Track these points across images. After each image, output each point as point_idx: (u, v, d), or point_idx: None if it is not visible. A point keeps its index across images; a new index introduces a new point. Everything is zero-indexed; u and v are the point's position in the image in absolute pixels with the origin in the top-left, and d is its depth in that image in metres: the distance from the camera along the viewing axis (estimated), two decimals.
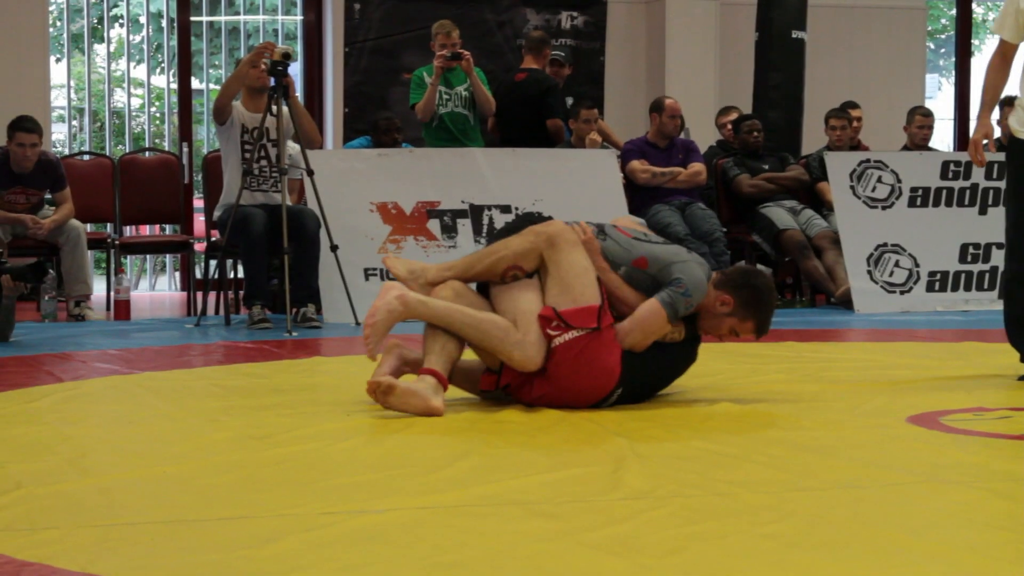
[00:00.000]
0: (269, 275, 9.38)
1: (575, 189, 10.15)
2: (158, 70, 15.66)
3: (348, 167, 9.87)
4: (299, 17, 13.83)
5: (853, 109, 12.05)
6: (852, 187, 10.56)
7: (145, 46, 15.76)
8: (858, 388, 5.83)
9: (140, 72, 16.93)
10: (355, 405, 5.37)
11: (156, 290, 14.84)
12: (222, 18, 15.49)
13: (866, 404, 5.32)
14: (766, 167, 11.29)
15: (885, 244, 10.45)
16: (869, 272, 10.36)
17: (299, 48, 13.55)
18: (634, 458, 4.14)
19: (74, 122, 15.23)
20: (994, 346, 7.62)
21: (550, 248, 5.13)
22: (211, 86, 14.96)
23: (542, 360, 5.02)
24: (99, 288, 11.23)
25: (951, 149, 14.87)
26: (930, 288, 10.45)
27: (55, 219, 9.81)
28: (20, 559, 2.99)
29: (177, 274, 14.55)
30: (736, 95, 12.80)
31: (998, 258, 10.54)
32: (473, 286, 5.35)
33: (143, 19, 15.51)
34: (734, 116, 11.95)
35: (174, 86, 13.88)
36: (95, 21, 16.36)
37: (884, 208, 10.56)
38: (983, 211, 10.65)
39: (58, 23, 16.35)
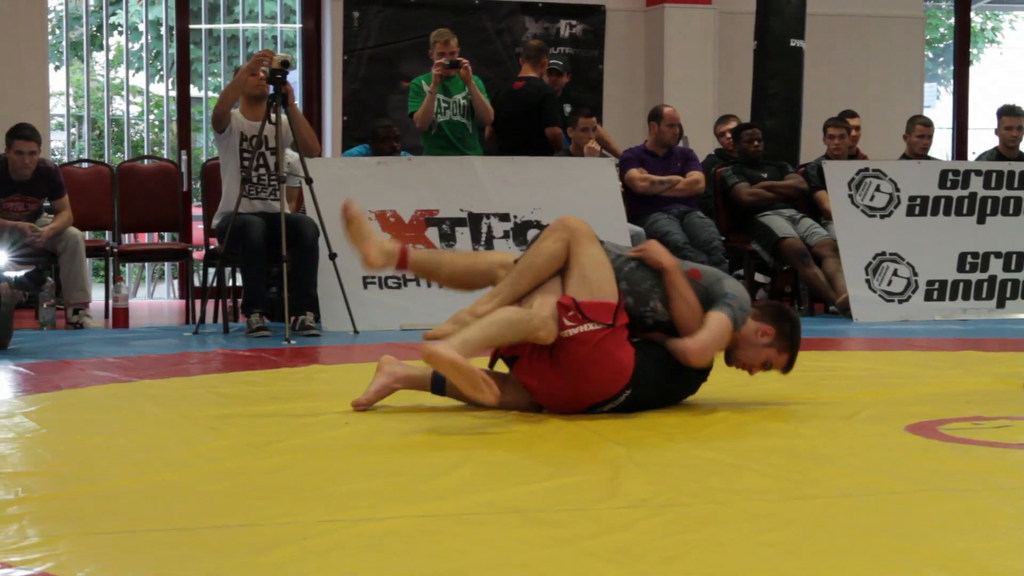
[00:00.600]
0: (268, 283, 9.38)
1: (573, 197, 10.15)
2: (157, 78, 15.67)
3: (347, 175, 9.88)
4: (298, 25, 13.84)
5: (851, 118, 12.05)
6: (850, 196, 10.57)
7: (144, 54, 15.79)
8: (856, 397, 5.83)
9: (139, 80, 16.96)
10: (354, 413, 5.37)
11: (154, 298, 14.85)
12: (221, 26, 15.50)
13: (864, 413, 5.32)
14: (765, 176, 11.30)
15: (883, 253, 10.45)
16: (867, 281, 10.37)
17: (298, 56, 13.57)
18: (632, 466, 4.14)
19: (73, 130, 15.24)
20: (992, 355, 7.63)
21: (573, 241, 5.23)
22: (210, 94, 14.97)
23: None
24: (97, 296, 11.22)
25: (949, 158, 14.89)
26: (928, 297, 10.45)
27: (53, 227, 9.81)
28: (20, 567, 2.98)
29: (175, 282, 14.55)
30: (735, 104, 12.81)
31: (996, 267, 10.56)
32: None
33: (142, 27, 15.53)
34: (733, 125, 11.96)
35: (173, 94, 13.89)
36: (94, 29, 16.38)
37: (882, 217, 10.56)
38: (981, 220, 10.67)
39: (57, 31, 16.37)
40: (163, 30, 13.95)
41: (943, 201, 10.68)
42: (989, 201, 10.70)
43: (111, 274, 10.89)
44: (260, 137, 9.04)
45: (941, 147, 16.23)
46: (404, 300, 9.61)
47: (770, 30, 12.10)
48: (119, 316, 9.86)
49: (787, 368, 5.39)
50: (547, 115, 10.88)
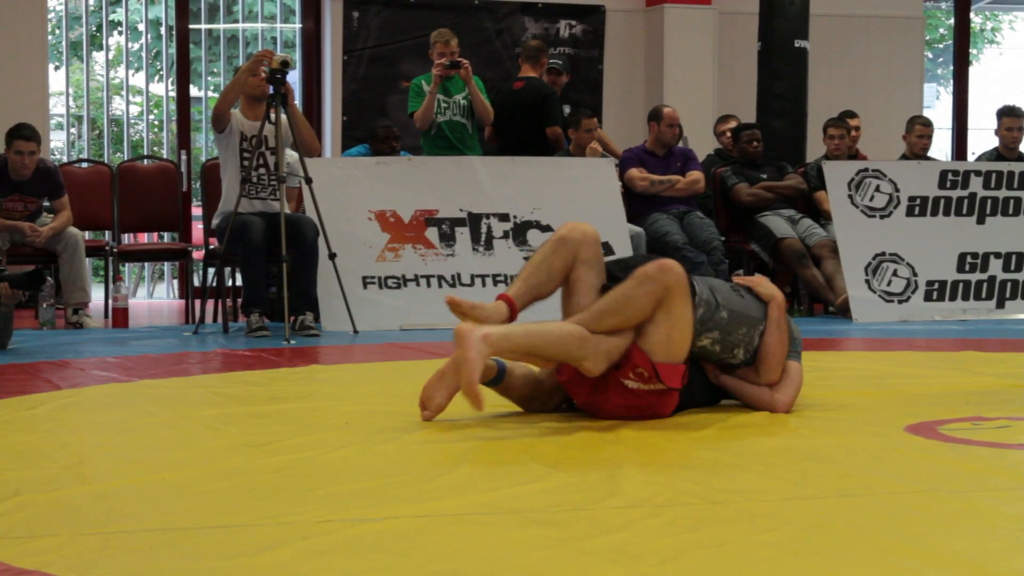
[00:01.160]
0: (267, 283, 9.38)
1: (573, 197, 10.16)
2: (156, 78, 15.67)
3: (346, 175, 9.88)
4: (298, 25, 13.84)
5: (851, 118, 12.05)
6: (850, 196, 10.57)
7: (144, 54, 15.78)
8: (856, 397, 5.83)
9: (139, 80, 16.95)
10: (353, 413, 5.37)
11: (154, 298, 14.85)
12: (221, 26, 15.50)
13: (864, 413, 5.32)
14: (764, 176, 11.29)
15: (883, 253, 10.45)
16: (867, 281, 10.37)
17: (297, 56, 13.57)
18: (632, 466, 4.14)
19: (72, 130, 15.24)
20: (992, 355, 7.63)
21: (667, 295, 4.94)
22: (210, 94, 14.97)
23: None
24: (97, 296, 11.23)
25: (949, 158, 14.89)
26: (928, 297, 10.45)
27: (53, 227, 9.81)
28: (18, 566, 2.98)
29: (175, 282, 14.55)
30: (734, 104, 12.82)
31: (996, 267, 10.56)
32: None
33: (141, 27, 15.53)
34: (732, 124, 11.96)
35: (172, 94, 13.89)
36: (93, 29, 16.38)
37: (882, 217, 10.56)
38: (981, 220, 10.67)
39: (57, 31, 16.36)
40: (163, 30, 13.95)
41: (943, 201, 10.68)
42: (989, 201, 10.70)
43: (111, 274, 10.89)
44: (260, 137, 9.05)
45: (941, 147, 16.25)
46: (404, 300, 9.61)
47: (774, 31, 12.09)
48: (119, 316, 9.86)
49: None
50: (547, 115, 10.88)
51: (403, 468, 4.18)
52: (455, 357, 4.74)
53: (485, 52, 12.99)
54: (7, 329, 8.06)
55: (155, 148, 15.06)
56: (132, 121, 16.26)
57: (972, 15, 17.60)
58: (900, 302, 10.39)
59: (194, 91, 14.17)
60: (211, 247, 10.14)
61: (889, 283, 10.40)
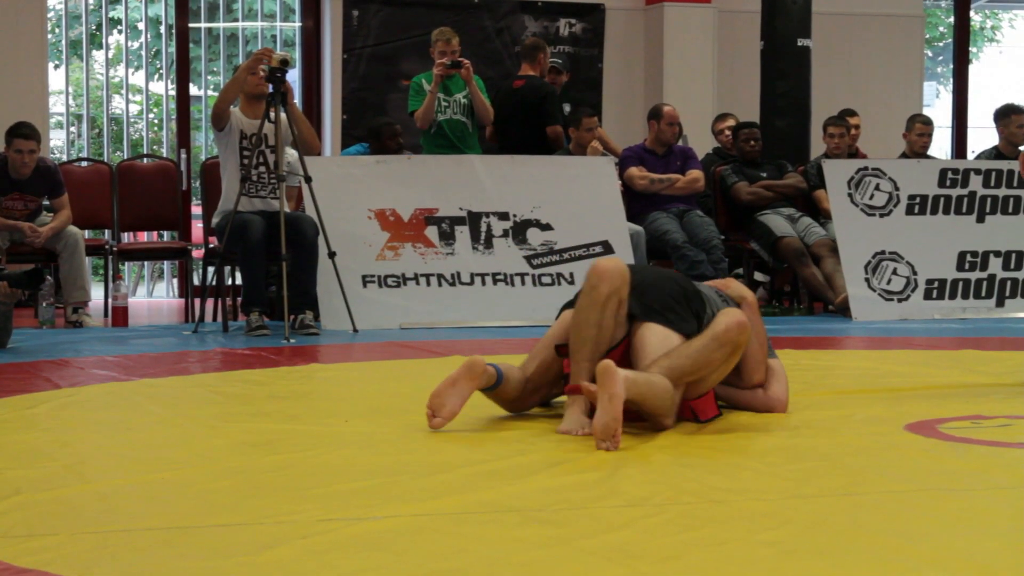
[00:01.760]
0: (267, 282, 9.38)
1: (573, 196, 10.16)
2: (156, 76, 15.67)
3: (346, 174, 9.88)
4: (297, 23, 13.84)
5: (851, 117, 12.05)
6: (850, 195, 10.57)
7: (143, 52, 15.78)
8: (856, 396, 5.83)
9: (138, 78, 16.95)
10: (352, 412, 5.37)
11: (154, 296, 14.85)
12: (220, 24, 15.51)
13: (864, 412, 5.32)
14: (764, 175, 11.30)
15: (883, 252, 10.45)
16: (867, 280, 10.37)
17: (297, 54, 13.57)
18: (631, 465, 4.15)
19: (72, 128, 15.24)
20: (992, 354, 7.63)
21: (737, 353, 4.92)
22: (209, 92, 14.97)
23: None
24: (97, 295, 11.22)
25: (949, 157, 14.89)
26: (928, 296, 10.45)
27: (53, 226, 9.81)
28: (18, 565, 2.98)
29: (175, 280, 14.54)
30: (734, 102, 12.82)
31: (995, 266, 10.56)
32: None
33: (141, 25, 15.52)
34: (731, 123, 11.96)
35: (172, 92, 13.89)
36: (93, 27, 16.37)
37: (882, 216, 10.56)
38: (980, 219, 10.67)
39: (56, 30, 16.36)
40: (162, 29, 13.95)
41: (942, 200, 10.68)
42: (988, 200, 10.70)
43: (110, 273, 10.88)
44: (260, 135, 9.05)
45: (940, 146, 16.24)
46: (403, 299, 9.61)
47: (776, 30, 12.08)
48: (118, 315, 9.86)
49: None
50: (547, 114, 10.88)
51: (403, 467, 4.18)
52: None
53: (485, 51, 12.99)
54: (7, 328, 8.06)
55: (155, 147, 15.07)
56: (132, 120, 16.26)
57: (972, 13, 17.60)
58: (900, 301, 10.39)
59: (194, 90, 14.18)
60: (211, 246, 10.14)
61: (889, 282, 10.40)
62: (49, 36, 14.02)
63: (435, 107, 10.44)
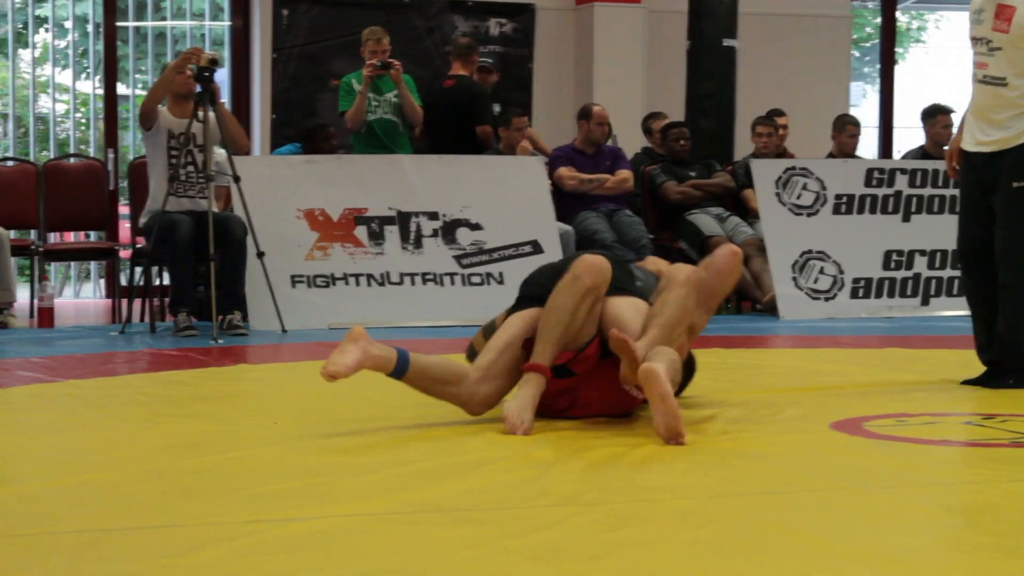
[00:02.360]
0: (195, 282, 9.34)
1: (503, 196, 10.17)
2: (83, 75, 15.55)
3: (275, 173, 9.85)
4: (227, 23, 13.78)
5: (779, 116, 12.12)
6: (778, 194, 10.63)
7: (70, 51, 15.65)
8: (782, 394, 5.86)
9: (65, 77, 16.81)
10: (281, 413, 5.35)
11: (81, 297, 14.74)
12: (149, 23, 15.40)
13: (790, 410, 5.35)
14: (692, 174, 11.35)
15: (810, 251, 10.53)
16: (794, 279, 10.44)
17: (226, 54, 13.50)
18: (559, 464, 4.16)
19: None
20: (917, 352, 7.70)
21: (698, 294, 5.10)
22: (137, 92, 14.87)
23: None
24: (22, 295, 11.13)
25: (876, 157, 15.00)
26: (854, 295, 10.53)
27: None
28: None
29: (102, 281, 14.44)
30: (664, 102, 12.85)
31: (921, 265, 10.66)
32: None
33: (68, 24, 15.40)
34: (664, 122, 11.99)
35: (100, 91, 13.79)
36: (20, 26, 16.22)
37: (809, 215, 10.64)
38: (906, 218, 10.76)
39: None
40: (90, 27, 13.84)
41: (869, 199, 10.76)
42: (914, 199, 10.80)
43: (36, 273, 10.79)
44: (188, 135, 9.01)
45: (867, 146, 16.35)
46: (332, 299, 9.59)
47: (703, 30, 12.14)
48: (44, 316, 9.78)
49: None
50: (477, 114, 10.89)
51: (330, 468, 4.17)
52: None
53: (415, 50, 12.97)
54: None
55: (82, 146, 14.95)
56: (58, 119, 16.12)
57: (898, 14, 17.71)
58: (827, 299, 10.46)
59: (121, 89, 14.08)
60: (138, 246, 10.08)
61: (816, 281, 10.47)
62: None
63: (366, 107, 10.42)
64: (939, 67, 25.95)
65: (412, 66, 11.61)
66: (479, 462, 4.24)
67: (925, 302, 10.58)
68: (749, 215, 11.20)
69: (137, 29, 14.93)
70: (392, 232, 9.89)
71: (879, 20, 16.49)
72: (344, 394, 5.23)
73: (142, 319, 9.93)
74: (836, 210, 10.70)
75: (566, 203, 10.79)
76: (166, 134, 9.19)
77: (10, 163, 11.68)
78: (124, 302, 9.90)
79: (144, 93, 11.15)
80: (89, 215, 11.34)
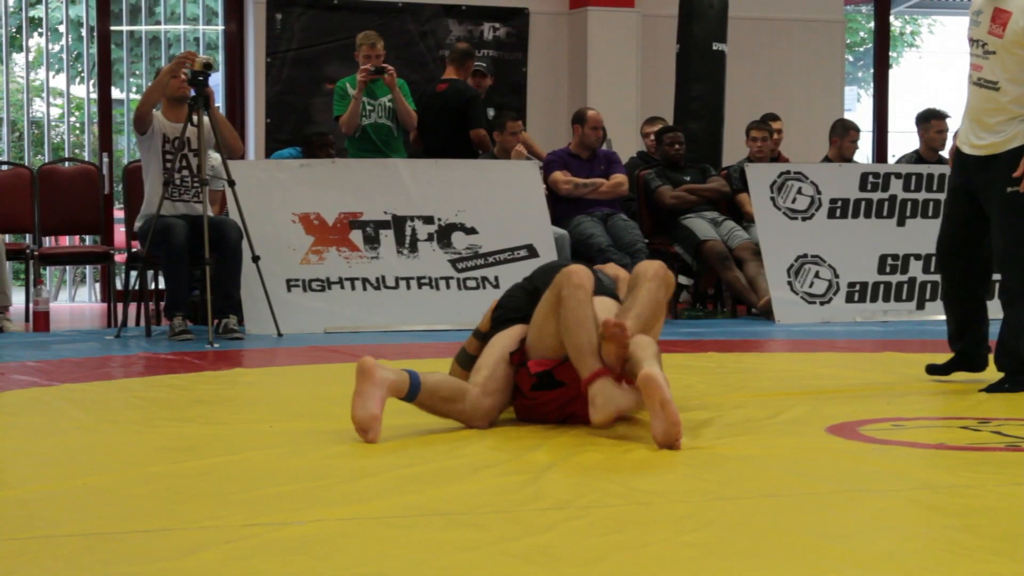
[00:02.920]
0: (190, 286, 9.33)
1: (497, 200, 10.17)
2: (78, 79, 15.54)
3: (270, 177, 9.85)
4: (220, 27, 13.77)
5: (774, 121, 12.13)
6: (772, 198, 10.64)
7: (64, 55, 15.65)
8: (778, 398, 5.87)
9: (59, 81, 16.80)
10: (277, 416, 5.35)
11: (76, 301, 14.73)
12: (143, 27, 15.40)
13: (786, 414, 5.36)
14: (687, 178, 11.35)
15: (805, 255, 10.53)
16: (789, 283, 10.44)
17: (220, 58, 13.49)
18: (555, 468, 4.16)
19: None
20: (912, 356, 7.70)
21: (668, 292, 5.12)
22: (131, 96, 14.86)
23: None
24: (18, 299, 11.12)
25: (870, 161, 15.01)
26: (849, 299, 10.54)
27: None
28: None
29: (97, 285, 14.44)
30: (658, 106, 12.86)
31: (916, 269, 10.67)
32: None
33: (62, 28, 15.39)
34: (659, 127, 12.00)
35: (94, 96, 13.78)
36: (13, 30, 16.22)
37: (804, 219, 10.64)
38: (901, 223, 10.76)
39: None
40: (84, 31, 13.84)
41: (864, 204, 10.77)
42: (909, 204, 10.80)
43: (32, 277, 10.78)
44: (182, 139, 9.01)
45: (861, 150, 16.37)
46: (328, 303, 9.59)
47: (692, 34, 12.16)
48: (40, 320, 9.78)
49: None
50: (471, 117, 10.89)
51: (327, 471, 4.17)
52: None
53: (409, 54, 12.97)
54: None
55: (76, 150, 14.94)
56: (53, 123, 16.12)
57: (892, 19, 17.74)
58: (822, 304, 10.47)
59: (116, 93, 14.07)
60: (133, 250, 10.07)
61: (811, 285, 10.48)
62: None
63: (360, 112, 10.42)
64: (933, 71, 25.98)
65: (406, 70, 11.62)
66: (476, 466, 4.24)
67: (920, 306, 10.58)
68: (744, 219, 11.21)
69: (131, 33, 14.93)
70: (387, 236, 9.89)
71: (873, 25, 16.50)
72: (340, 399, 5.23)
73: (137, 323, 9.93)
74: (831, 214, 10.70)
75: (561, 207, 10.80)
76: (161, 138, 9.19)
77: (5, 167, 11.67)
78: (119, 306, 9.89)
79: (138, 97, 11.15)
80: (84, 219, 11.33)
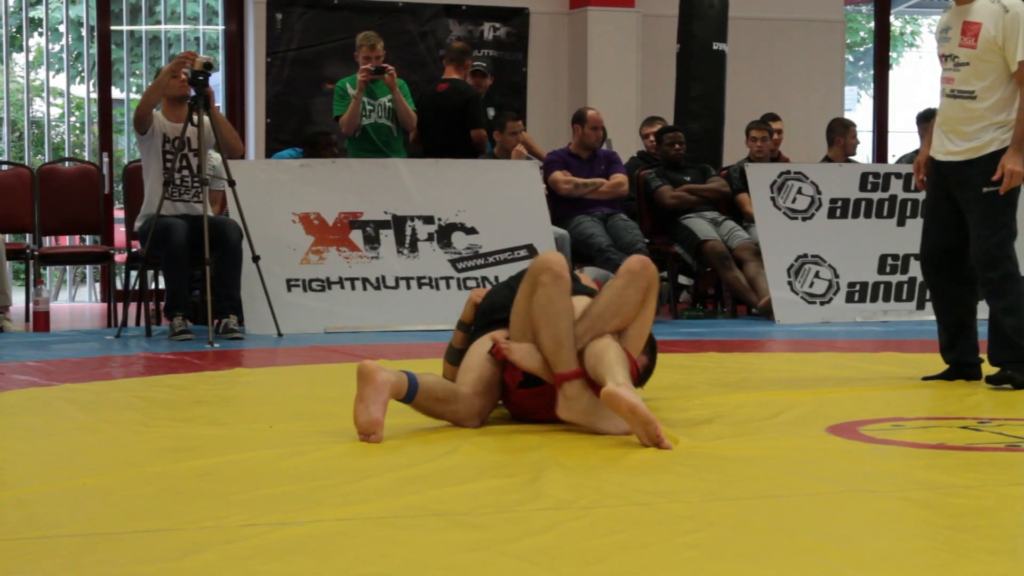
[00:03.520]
0: (190, 286, 9.33)
1: (498, 200, 10.17)
2: (78, 79, 15.54)
3: (270, 177, 9.84)
4: (220, 27, 13.76)
5: (774, 121, 12.13)
6: (772, 198, 10.64)
7: (64, 55, 15.64)
8: (778, 398, 5.87)
9: (59, 81, 16.80)
10: (277, 417, 5.35)
11: (76, 301, 14.72)
12: (143, 27, 15.39)
13: (786, 414, 5.36)
14: (688, 178, 11.35)
15: (805, 255, 10.53)
16: (790, 283, 10.44)
17: (220, 58, 13.48)
18: (555, 468, 4.15)
19: None
20: (912, 356, 7.71)
21: (649, 290, 5.06)
22: (132, 95, 14.86)
23: None
24: (18, 299, 11.12)
25: (870, 161, 15.00)
26: (849, 299, 10.53)
27: None
28: None
29: (97, 285, 14.43)
30: (658, 106, 12.86)
31: (916, 269, 10.64)
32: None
33: (62, 27, 15.39)
34: (658, 127, 12.00)
35: (94, 95, 13.77)
36: (13, 30, 16.22)
37: (804, 219, 10.64)
38: (901, 223, 10.76)
39: None
40: (84, 31, 13.83)
41: (864, 204, 10.77)
42: (909, 203, 10.79)
43: (32, 277, 10.78)
44: (183, 139, 9.00)
45: (862, 150, 16.37)
46: (328, 303, 9.58)
47: (693, 33, 12.15)
48: (40, 320, 9.77)
49: None
50: (471, 117, 10.89)
51: (327, 471, 4.17)
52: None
53: (409, 55, 12.97)
54: None
55: (76, 150, 14.93)
56: (53, 123, 16.11)
57: (892, 19, 17.74)
58: (822, 303, 10.46)
59: (116, 93, 14.06)
60: (133, 250, 10.06)
61: (811, 285, 10.47)
62: None
63: (360, 112, 10.42)
64: (933, 71, 25.96)
65: (406, 70, 11.62)
66: (476, 466, 4.24)
67: (920, 306, 10.56)
68: (744, 219, 11.21)
69: (131, 33, 14.93)
70: (387, 236, 9.88)
71: (873, 25, 16.50)
72: (340, 399, 5.23)
73: (137, 323, 9.93)
74: (831, 214, 10.70)
75: (561, 207, 10.79)
76: (161, 138, 9.19)
77: (5, 167, 11.67)
78: (119, 306, 9.89)
79: (138, 97, 11.15)
80: (84, 219, 11.32)
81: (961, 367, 6.49)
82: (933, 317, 6.79)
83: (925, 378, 6.53)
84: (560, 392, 4.84)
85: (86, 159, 13.17)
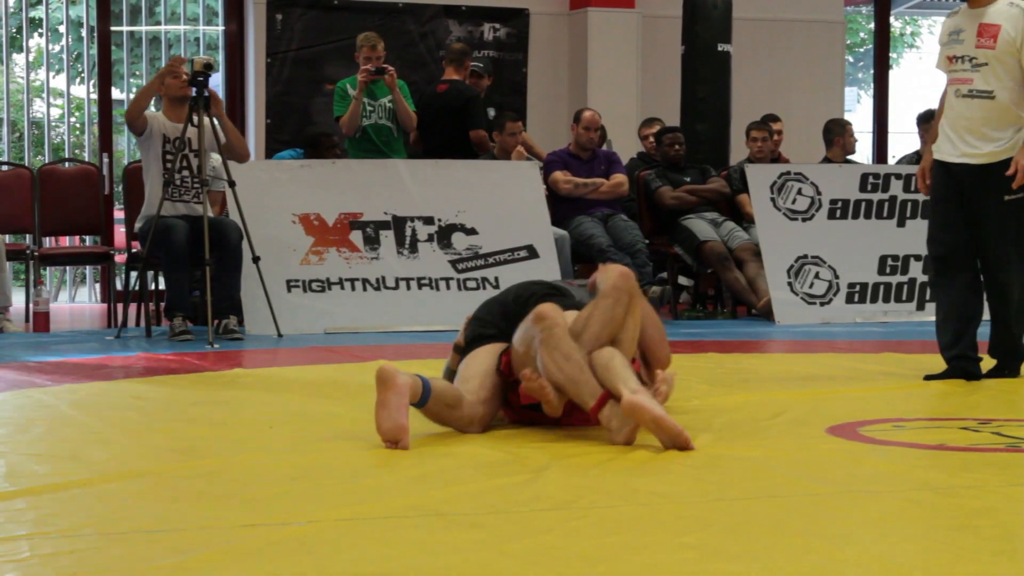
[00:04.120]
0: (191, 287, 9.33)
1: (498, 200, 10.17)
2: (78, 80, 15.54)
3: (270, 178, 9.85)
4: (220, 27, 13.77)
5: (774, 122, 12.13)
6: (772, 199, 10.64)
7: (65, 56, 15.65)
8: (778, 399, 5.87)
9: (59, 82, 16.81)
10: (277, 417, 5.35)
11: (76, 302, 14.72)
12: (143, 28, 15.40)
13: (786, 415, 5.36)
14: (688, 179, 11.35)
15: (805, 256, 10.53)
16: (789, 284, 10.44)
17: (220, 58, 13.48)
18: (556, 469, 4.16)
19: None
20: (913, 357, 7.70)
21: (632, 300, 5.04)
22: (132, 96, 14.84)
23: None
24: (18, 300, 11.12)
25: (870, 162, 15.00)
26: (850, 299, 10.54)
27: None
28: None
29: (97, 286, 14.43)
30: (658, 107, 12.86)
31: (916, 270, 10.66)
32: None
33: (62, 28, 15.39)
34: (657, 128, 12.00)
35: (94, 96, 13.78)
36: (13, 30, 16.22)
37: (804, 220, 10.64)
38: (901, 223, 10.76)
39: None
40: (84, 31, 13.84)
41: (864, 204, 10.77)
42: (909, 204, 10.80)
43: (32, 278, 10.78)
44: (183, 139, 9.00)
45: (862, 151, 16.37)
46: (328, 304, 9.58)
47: (697, 35, 12.14)
48: (40, 320, 9.77)
49: None
50: (471, 118, 10.88)
51: (327, 471, 4.17)
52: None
53: (409, 55, 12.97)
54: None
55: (76, 151, 14.93)
56: (53, 124, 16.12)
57: (892, 20, 17.74)
58: (822, 304, 10.46)
59: (116, 93, 14.06)
60: (134, 251, 10.06)
61: (811, 285, 10.48)
62: None
63: (360, 113, 10.42)
64: (933, 72, 25.96)
65: (405, 71, 11.62)
66: (476, 467, 4.24)
67: (920, 307, 10.57)
68: (744, 220, 11.20)
69: (131, 33, 14.93)
70: (387, 237, 9.88)
71: (873, 25, 16.50)
72: (340, 399, 5.23)
73: (137, 324, 9.92)
74: (831, 215, 10.70)
75: (561, 208, 10.80)
76: (161, 139, 9.19)
77: (5, 168, 11.67)
78: (120, 307, 9.89)
79: None
80: (84, 220, 11.33)
81: (962, 361, 6.52)
82: (933, 318, 6.79)
83: (927, 377, 6.53)
84: (604, 424, 4.74)
85: (86, 160, 13.17)
